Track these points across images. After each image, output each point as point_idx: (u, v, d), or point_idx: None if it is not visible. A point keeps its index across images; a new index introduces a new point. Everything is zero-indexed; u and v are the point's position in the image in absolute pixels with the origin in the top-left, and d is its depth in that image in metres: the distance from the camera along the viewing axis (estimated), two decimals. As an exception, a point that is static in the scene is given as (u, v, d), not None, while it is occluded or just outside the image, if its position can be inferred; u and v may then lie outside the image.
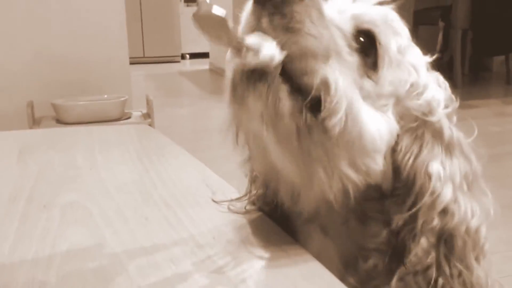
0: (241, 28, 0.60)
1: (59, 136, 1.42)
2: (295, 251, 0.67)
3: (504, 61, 6.13)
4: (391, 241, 0.65)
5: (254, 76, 0.58)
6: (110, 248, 0.68)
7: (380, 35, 0.66)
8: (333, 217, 0.68)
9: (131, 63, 3.19)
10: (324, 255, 0.68)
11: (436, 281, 0.62)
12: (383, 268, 0.66)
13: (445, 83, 0.71)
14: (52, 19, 2.86)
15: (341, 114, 0.59)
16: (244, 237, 0.71)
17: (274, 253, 0.66)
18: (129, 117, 2.79)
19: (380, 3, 0.70)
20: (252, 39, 0.58)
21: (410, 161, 0.65)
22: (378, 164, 0.64)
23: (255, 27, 0.59)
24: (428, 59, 0.72)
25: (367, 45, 0.65)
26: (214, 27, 0.57)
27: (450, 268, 0.62)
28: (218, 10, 0.56)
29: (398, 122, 0.66)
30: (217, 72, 7.81)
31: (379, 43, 0.65)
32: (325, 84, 0.58)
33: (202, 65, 8.75)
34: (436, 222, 0.62)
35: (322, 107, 0.58)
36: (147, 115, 2.82)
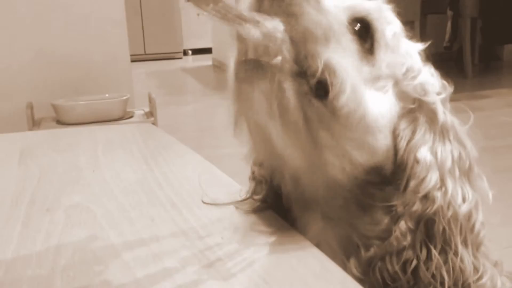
0: (241, 8, 0.62)
1: (60, 137, 1.42)
2: (306, 250, 0.67)
3: (514, 49, 6.12)
4: (391, 228, 0.66)
5: (256, 66, 0.60)
6: (116, 250, 0.68)
7: (375, 21, 0.69)
8: (335, 201, 0.69)
9: (132, 61, 3.19)
10: (325, 244, 0.70)
11: (410, 262, 0.64)
12: None
13: (436, 74, 0.74)
14: (50, 17, 2.86)
15: (347, 95, 0.61)
16: (254, 237, 0.71)
17: (285, 254, 0.67)
18: (131, 116, 2.79)
19: None
20: (253, 14, 0.60)
21: (404, 145, 0.67)
22: (381, 143, 0.67)
23: (256, 9, 0.61)
24: (421, 46, 0.75)
25: (362, 31, 0.67)
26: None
27: (428, 251, 0.64)
28: None
29: (398, 103, 0.68)
30: (220, 67, 7.81)
31: (375, 29, 0.68)
32: (329, 66, 0.60)
33: (205, 61, 8.74)
34: (416, 206, 0.65)
35: (330, 89, 0.61)
36: (150, 114, 2.82)
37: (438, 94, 0.71)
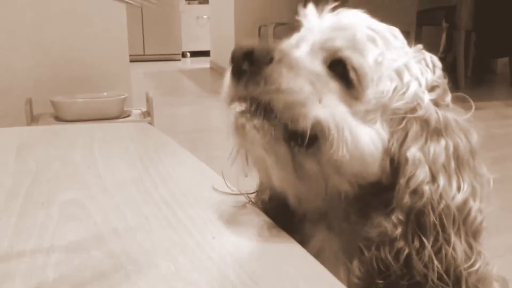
0: (223, 95, 0.69)
1: (58, 133, 1.42)
2: (297, 253, 0.67)
3: (508, 63, 6.12)
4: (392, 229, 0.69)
5: (254, 118, 0.67)
6: (108, 247, 0.68)
7: (352, 60, 0.70)
8: (336, 214, 0.73)
9: (131, 61, 3.19)
10: (329, 250, 0.74)
11: (403, 252, 0.66)
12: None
13: (433, 62, 0.75)
14: (51, 15, 2.86)
15: (338, 144, 0.66)
16: (245, 238, 0.71)
17: (276, 256, 0.67)
18: (128, 115, 2.79)
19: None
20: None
21: (396, 149, 0.70)
22: (375, 168, 0.70)
23: (236, 95, 0.67)
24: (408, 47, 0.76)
25: (343, 71, 0.70)
26: None
27: (420, 241, 0.66)
28: None
29: (388, 128, 0.70)
30: (218, 70, 7.81)
31: (352, 67, 0.70)
32: (318, 124, 0.66)
33: (203, 63, 8.74)
34: (406, 200, 0.67)
35: (321, 144, 0.66)
36: (147, 113, 2.82)
37: (432, 90, 0.72)
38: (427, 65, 0.74)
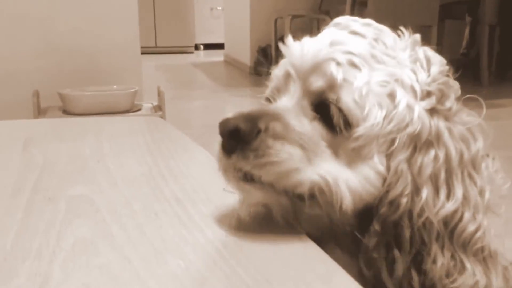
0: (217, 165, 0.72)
1: (66, 126, 1.42)
2: (311, 251, 0.67)
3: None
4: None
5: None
6: (117, 243, 0.68)
7: (338, 101, 0.70)
8: (339, 236, 0.75)
9: (143, 53, 3.19)
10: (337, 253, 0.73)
11: (374, 261, 0.69)
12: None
13: (427, 58, 0.74)
14: (59, 5, 2.87)
15: (337, 200, 0.68)
16: (259, 236, 0.70)
17: (290, 254, 0.67)
18: (139, 109, 2.79)
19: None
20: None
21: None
22: (371, 195, 0.70)
23: (228, 168, 0.70)
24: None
25: (329, 111, 0.70)
26: None
27: (393, 253, 0.68)
28: None
29: (384, 156, 0.70)
30: (232, 64, 7.81)
31: (339, 109, 0.70)
32: (315, 186, 0.68)
33: (216, 56, 8.75)
34: (383, 210, 0.69)
35: (320, 202, 0.68)
36: (158, 108, 2.82)
37: (428, 96, 0.71)
38: (422, 65, 0.73)
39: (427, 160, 0.68)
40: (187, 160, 1.05)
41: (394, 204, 0.68)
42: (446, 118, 0.71)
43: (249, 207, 0.74)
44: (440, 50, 0.76)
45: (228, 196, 0.80)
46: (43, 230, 0.72)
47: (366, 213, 0.71)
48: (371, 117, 0.69)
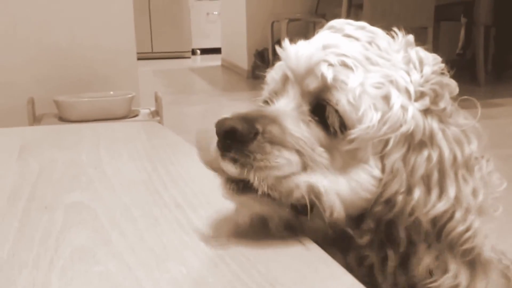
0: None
1: (62, 133, 1.42)
2: (314, 254, 0.67)
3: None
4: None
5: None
6: (117, 250, 0.68)
7: (335, 102, 0.70)
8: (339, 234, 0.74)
9: (139, 59, 3.19)
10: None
11: (366, 259, 0.70)
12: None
13: (420, 59, 0.74)
14: (55, 10, 2.86)
15: (331, 208, 0.68)
16: (260, 240, 0.70)
17: (293, 258, 0.66)
18: (136, 115, 2.79)
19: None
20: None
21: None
22: (369, 199, 0.71)
23: (225, 170, 0.69)
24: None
25: (326, 113, 0.71)
26: None
27: (386, 252, 0.69)
28: None
29: (379, 159, 0.71)
30: (229, 68, 7.82)
31: (335, 111, 0.70)
32: (314, 191, 0.68)
33: (213, 61, 8.77)
34: (378, 208, 0.69)
35: (317, 208, 0.68)
36: (156, 113, 2.82)
37: (421, 97, 0.71)
38: (415, 66, 0.73)
39: (420, 160, 0.69)
40: (186, 165, 1.04)
41: (390, 202, 0.69)
42: (440, 119, 0.71)
43: (246, 217, 0.74)
44: (436, 51, 0.76)
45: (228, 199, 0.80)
46: (40, 239, 0.71)
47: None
48: (366, 119, 0.69)
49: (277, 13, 6.53)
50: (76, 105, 2.65)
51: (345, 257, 0.72)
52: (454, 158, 0.70)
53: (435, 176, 0.69)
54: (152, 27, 9.34)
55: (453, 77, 0.75)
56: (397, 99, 0.70)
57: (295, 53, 0.74)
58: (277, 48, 0.77)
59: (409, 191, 0.69)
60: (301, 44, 0.75)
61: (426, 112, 0.71)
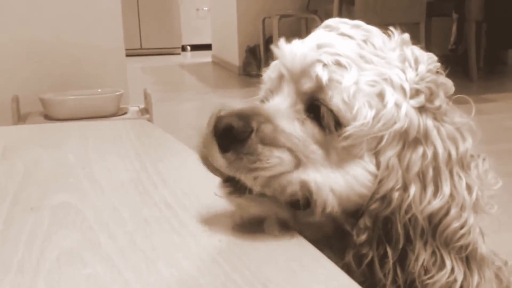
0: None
1: (48, 132, 1.41)
2: (309, 255, 0.67)
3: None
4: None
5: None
6: (105, 253, 0.67)
7: (329, 101, 0.71)
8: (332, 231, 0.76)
9: (127, 55, 3.19)
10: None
11: (366, 257, 0.71)
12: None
13: (415, 57, 0.75)
14: (40, 5, 2.85)
15: (325, 204, 0.69)
16: (253, 240, 0.70)
17: (287, 258, 0.66)
18: (125, 113, 2.78)
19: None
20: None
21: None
22: (365, 194, 0.73)
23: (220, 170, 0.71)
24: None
25: (320, 113, 0.72)
26: None
27: (384, 248, 0.70)
28: None
29: (373, 155, 0.72)
30: (220, 64, 7.82)
31: (329, 110, 0.71)
32: (305, 187, 0.70)
33: (204, 57, 8.78)
34: (374, 205, 0.71)
35: (312, 204, 0.70)
36: (145, 111, 2.81)
37: (416, 94, 0.73)
38: (410, 65, 0.75)
39: (415, 157, 0.71)
40: (176, 164, 1.04)
41: (386, 199, 0.70)
42: (435, 117, 0.73)
43: (242, 218, 0.75)
44: (428, 47, 0.78)
45: (219, 199, 0.79)
46: (25, 241, 0.71)
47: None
48: (361, 117, 0.70)
49: (268, 9, 6.55)
50: (63, 103, 2.64)
51: (342, 257, 0.73)
52: (449, 156, 0.72)
53: (430, 173, 0.71)
54: (140, 22, 9.33)
55: (446, 73, 0.76)
56: (391, 97, 0.71)
57: (290, 52, 0.75)
58: (272, 47, 0.78)
59: (405, 188, 0.70)
60: (296, 43, 0.76)
61: (421, 110, 0.73)
